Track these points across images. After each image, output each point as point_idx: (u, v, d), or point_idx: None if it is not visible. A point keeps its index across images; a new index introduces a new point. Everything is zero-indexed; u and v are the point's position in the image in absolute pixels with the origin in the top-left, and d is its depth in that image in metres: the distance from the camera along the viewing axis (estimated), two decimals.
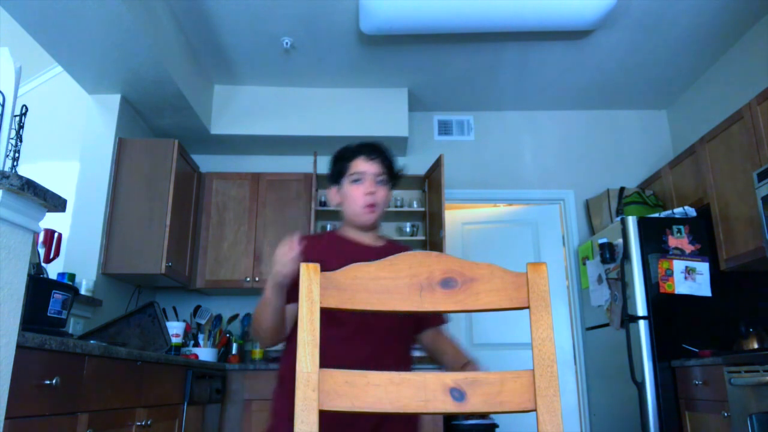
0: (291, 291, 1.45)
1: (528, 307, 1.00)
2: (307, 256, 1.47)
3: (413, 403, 0.95)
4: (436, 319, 1.69)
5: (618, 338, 3.48)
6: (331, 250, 1.60)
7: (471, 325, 4.44)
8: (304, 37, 3.74)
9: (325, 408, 0.94)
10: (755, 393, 2.47)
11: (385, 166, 1.62)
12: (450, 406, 0.96)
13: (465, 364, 1.58)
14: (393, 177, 1.68)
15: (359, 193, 1.59)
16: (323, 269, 1.05)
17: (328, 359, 1.25)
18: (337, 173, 1.65)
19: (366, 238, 1.65)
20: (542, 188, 4.60)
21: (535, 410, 0.94)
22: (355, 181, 1.60)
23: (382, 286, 1.03)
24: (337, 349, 1.33)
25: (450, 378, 0.97)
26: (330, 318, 1.33)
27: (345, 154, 1.65)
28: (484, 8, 3.27)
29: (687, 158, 3.76)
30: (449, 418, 3.56)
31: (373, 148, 1.63)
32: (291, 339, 1.56)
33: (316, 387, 0.94)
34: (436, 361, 1.70)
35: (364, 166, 1.60)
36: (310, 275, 1.01)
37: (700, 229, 3.43)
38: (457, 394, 0.96)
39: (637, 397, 3.23)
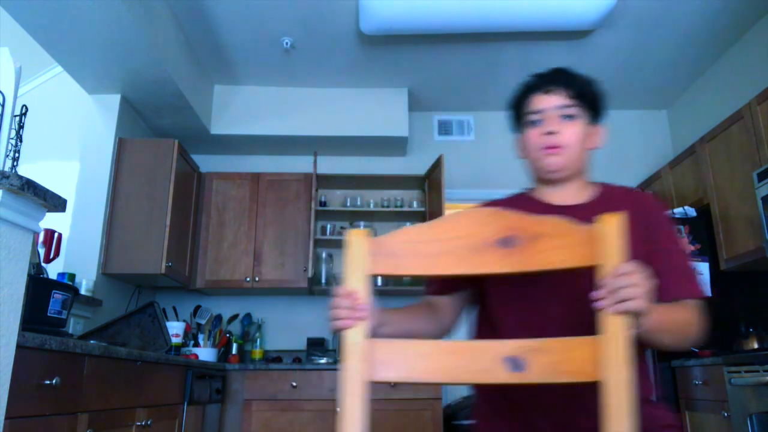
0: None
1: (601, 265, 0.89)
2: None
3: (466, 374, 0.91)
4: (679, 289, 1.23)
5: None
6: None
7: None
8: (304, 37, 3.74)
9: (374, 378, 0.91)
10: (755, 393, 2.47)
11: (571, 95, 1.24)
12: (505, 377, 0.89)
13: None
14: (591, 106, 1.27)
15: (535, 135, 1.25)
16: None
17: (529, 327, 1.10)
18: (516, 119, 1.32)
19: (560, 194, 1.30)
20: None
21: (600, 381, 0.85)
22: (532, 123, 1.26)
23: (436, 249, 0.96)
24: (525, 314, 1.17)
25: (507, 346, 0.90)
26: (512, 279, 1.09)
27: (518, 92, 1.31)
28: (484, 8, 3.27)
29: (687, 158, 3.76)
30: (449, 418, 3.56)
31: (549, 77, 1.27)
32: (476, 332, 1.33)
33: (364, 357, 0.91)
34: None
35: (540, 102, 1.25)
36: (359, 241, 0.96)
37: (700, 229, 3.43)
38: (514, 363, 0.89)
39: None
